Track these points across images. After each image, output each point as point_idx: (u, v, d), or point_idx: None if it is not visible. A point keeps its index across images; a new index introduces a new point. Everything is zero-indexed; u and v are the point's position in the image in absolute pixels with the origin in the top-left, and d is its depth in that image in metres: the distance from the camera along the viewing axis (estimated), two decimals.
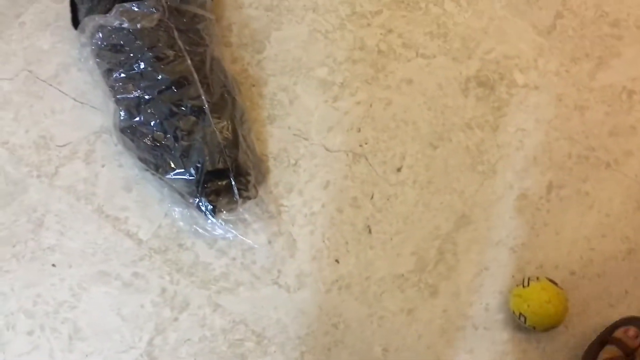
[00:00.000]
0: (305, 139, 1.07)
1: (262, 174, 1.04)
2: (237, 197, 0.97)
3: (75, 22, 1.07)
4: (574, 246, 1.02)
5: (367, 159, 1.06)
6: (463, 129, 1.07)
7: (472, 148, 1.06)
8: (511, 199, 1.04)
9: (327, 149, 1.07)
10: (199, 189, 0.95)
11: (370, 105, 1.09)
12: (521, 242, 1.02)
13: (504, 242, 1.02)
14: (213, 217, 0.97)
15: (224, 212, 0.98)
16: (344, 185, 1.05)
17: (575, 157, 1.06)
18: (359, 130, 1.07)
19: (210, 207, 0.96)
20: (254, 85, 1.09)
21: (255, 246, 1.01)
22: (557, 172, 1.05)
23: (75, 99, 1.09)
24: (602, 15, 1.12)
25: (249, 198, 0.99)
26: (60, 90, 1.09)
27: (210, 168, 0.94)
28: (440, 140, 1.07)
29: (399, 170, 1.05)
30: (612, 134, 1.07)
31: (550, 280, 0.96)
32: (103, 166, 1.06)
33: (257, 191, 1.00)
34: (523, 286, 0.96)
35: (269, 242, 1.02)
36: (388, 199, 1.04)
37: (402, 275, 1.01)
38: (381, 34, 1.13)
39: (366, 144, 1.07)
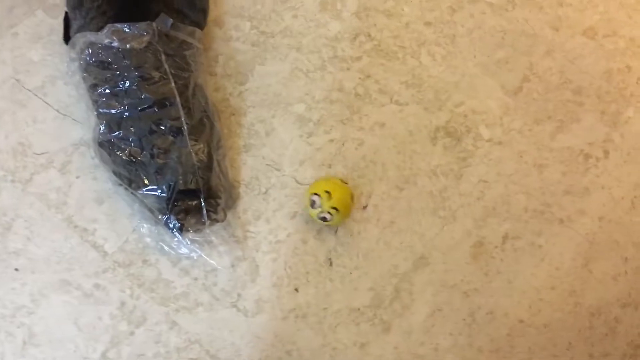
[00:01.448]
0: (277, 170, 1.11)
1: (233, 199, 1.07)
2: (205, 218, 1.00)
3: (67, 38, 1.11)
4: (524, 295, 1.06)
5: None
6: (429, 175, 1.12)
7: (435, 194, 1.11)
8: (468, 245, 1.08)
9: (297, 182, 1.11)
10: (169, 206, 0.98)
11: (343, 144, 1.14)
12: (474, 287, 1.06)
13: (459, 286, 1.06)
14: (180, 235, 1.00)
15: (191, 231, 1.01)
16: (310, 217, 1.08)
17: (531, 211, 1.11)
18: (330, 167, 1.12)
19: (178, 225, 0.98)
20: (233, 114, 1.14)
21: (218, 268, 1.03)
22: (513, 224, 1.10)
23: (58, 111, 1.12)
24: (566, 82, 1.20)
25: (216, 221, 1.02)
26: (44, 101, 1.13)
27: (182, 187, 0.97)
28: (406, 183, 1.11)
29: (364, 208, 1.09)
30: (567, 193, 1.13)
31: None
32: (77, 177, 1.08)
33: (225, 215, 1.03)
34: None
35: (232, 265, 1.04)
36: (351, 235, 1.08)
37: (358, 309, 1.04)
38: (359, 78, 1.18)
39: None
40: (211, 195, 1.01)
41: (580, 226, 1.11)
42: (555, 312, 1.06)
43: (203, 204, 0.99)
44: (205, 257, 1.03)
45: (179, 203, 0.98)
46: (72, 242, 1.04)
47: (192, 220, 1.00)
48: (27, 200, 1.06)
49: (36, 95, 1.13)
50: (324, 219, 1.01)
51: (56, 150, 1.10)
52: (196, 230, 1.01)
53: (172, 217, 0.98)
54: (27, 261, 1.03)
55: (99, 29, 1.02)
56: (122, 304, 1.01)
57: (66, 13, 1.12)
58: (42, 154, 1.09)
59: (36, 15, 1.19)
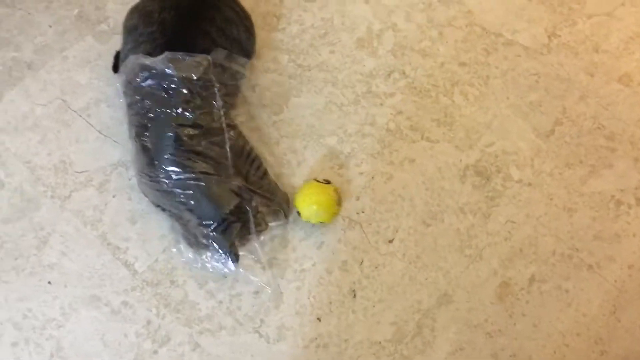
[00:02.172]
0: None
1: (284, 203, 1.11)
2: (253, 229, 1.04)
3: (116, 68, 1.16)
4: (548, 340, 1.05)
5: (361, 227, 1.11)
6: (456, 213, 1.13)
7: (462, 231, 1.12)
8: (494, 285, 1.08)
9: None
10: (219, 236, 1.01)
11: (372, 178, 1.15)
12: (498, 328, 1.05)
13: (482, 325, 1.05)
14: (235, 263, 1.03)
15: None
16: (336, 248, 1.09)
17: (559, 255, 1.10)
18: (358, 199, 1.13)
19: (235, 257, 1.03)
20: (266, 144, 1.16)
21: (244, 292, 1.05)
22: (540, 266, 1.09)
23: (100, 132, 1.17)
24: (599, 127, 1.20)
25: (261, 230, 1.06)
26: (87, 122, 1.17)
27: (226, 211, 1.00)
28: (434, 219, 1.12)
29: (390, 241, 1.10)
30: (597, 238, 1.12)
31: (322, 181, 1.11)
32: (114, 197, 1.12)
33: (285, 217, 1.10)
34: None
35: (257, 291, 1.06)
36: (376, 267, 1.08)
37: (380, 342, 1.04)
38: (392, 114, 1.21)
39: (363, 212, 1.12)
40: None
41: (609, 273, 1.10)
42: (581, 358, 1.04)
43: (250, 216, 1.02)
44: (247, 272, 1.06)
45: (227, 230, 1.01)
46: (104, 259, 1.07)
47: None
48: (64, 216, 1.10)
49: (80, 116, 1.18)
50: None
51: (95, 169, 1.14)
52: (243, 243, 1.05)
53: (227, 251, 1.01)
54: (60, 275, 1.06)
55: (147, 53, 1.07)
56: (148, 322, 1.03)
57: (116, 52, 1.17)
58: (82, 172, 1.13)
59: (86, 40, 1.25)
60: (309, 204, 1.07)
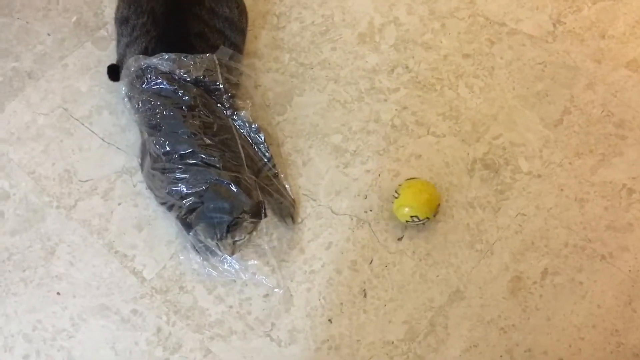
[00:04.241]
0: (314, 200, 1.12)
1: (292, 207, 1.09)
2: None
3: (112, 78, 1.15)
4: (563, 333, 1.03)
5: (370, 226, 1.10)
6: (465, 207, 1.11)
7: (472, 226, 1.10)
8: (506, 280, 1.06)
9: (333, 212, 1.11)
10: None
11: (379, 175, 1.14)
12: (512, 324, 1.04)
13: (495, 321, 1.04)
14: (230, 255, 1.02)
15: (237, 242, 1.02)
16: (345, 247, 1.08)
17: (571, 246, 1.09)
18: (366, 197, 1.12)
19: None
20: (270, 144, 1.15)
21: (260, 292, 1.04)
22: (552, 259, 1.08)
23: (103, 139, 1.16)
24: (608, 115, 1.18)
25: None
26: (90, 130, 1.17)
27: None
28: (443, 215, 1.11)
29: (399, 239, 1.09)
30: (609, 228, 1.10)
31: (410, 179, 1.10)
32: (119, 204, 1.11)
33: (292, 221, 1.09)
34: (396, 198, 1.07)
35: (267, 294, 1.05)
36: (386, 266, 1.07)
37: (392, 342, 1.03)
38: (396, 109, 1.19)
39: (371, 210, 1.11)
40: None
41: (622, 263, 1.08)
42: (597, 351, 1.03)
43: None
44: (258, 276, 1.05)
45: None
46: (112, 268, 1.07)
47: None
48: (70, 226, 1.10)
49: (83, 124, 1.17)
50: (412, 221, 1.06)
51: (100, 178, 1.13)
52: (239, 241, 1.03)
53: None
54: (69, 285, 1.06)
55: (144, 48, 1.06)
56: (159, 330, 1.03)
57: (109, 66, 1.16)
58: (87, 180, 1.13)
59: (85, 47, 1.24)
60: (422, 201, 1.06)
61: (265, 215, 1.00)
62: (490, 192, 1.12)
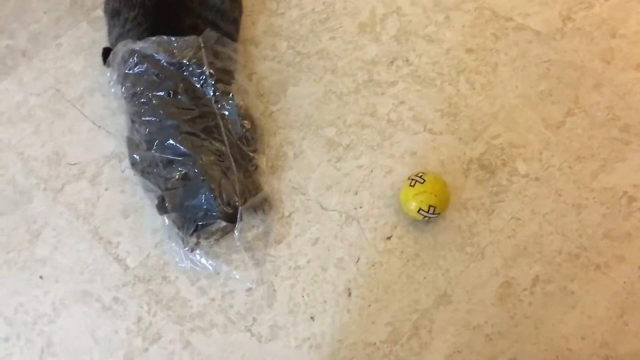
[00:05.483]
0: (303, 194, 1.10)
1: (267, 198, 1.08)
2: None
3: (105, 60, 1.13)
4: (551, 344, 1.01)
5: (359, 223, 1.08)
6: (458, 208, 1.08)
7: (464, 228, 1.07)
8: (495, 286, 1.04)
9: (322, 207, 1.09)
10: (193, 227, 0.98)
11: (371, 171, 1.11)
12: (498, 331, 1.01)
13: (482, 327, 1.02)
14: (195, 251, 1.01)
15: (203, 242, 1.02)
16: (332, 244, 1.06)
17: (565, 254, 1.05)
18: (356, 194, 1.10)
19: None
20: (262, 135, 1.13)
21: (237, 288, 1.03)
22: (545, 266, 1.05)
23: (93, 122, 1.14)
24: (613, 118, 1.14)
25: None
26: (81, 112, 1.15)
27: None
28: None
29: (388, 238, 1.07)
30: (607, 237, 1.06)
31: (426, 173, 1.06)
32: (106, 190, 1.10)
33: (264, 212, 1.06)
34: (420, 183, 1.03)
35: (250, 288, 1.03)
36: (373, 265, 1.05)
37: (374, 344, 1.01)
38: (393, 104, 1.16)
39: (361, 207, 1.09)
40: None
41: (618, 274, 1.04)
42: None
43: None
44: (234, 271, 1.03)
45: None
46: (96, 254, 1.06)
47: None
48: (57, 209, 1.09)
49: (74, 106, 1.16)
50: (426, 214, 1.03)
51: (88, 161, 1.12)
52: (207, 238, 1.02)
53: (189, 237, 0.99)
54: (52, 269, 1.05)
55: (137, 39, 1.04)
56: (139, 319, 1.02)
57: (104, 49, 1.14)
58: (75, 164, 1.12)
59: (80, 27, 1.22)
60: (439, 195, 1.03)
61: (241, 219, 0.98)
62: (485, 194, 1.09)
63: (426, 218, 1.04)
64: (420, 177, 1.04)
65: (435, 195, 1.02)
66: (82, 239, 1.07)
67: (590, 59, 1.18)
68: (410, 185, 1.03)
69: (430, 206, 1.02)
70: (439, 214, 1.03)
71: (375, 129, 1.14)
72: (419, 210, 1.02)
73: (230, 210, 0.98)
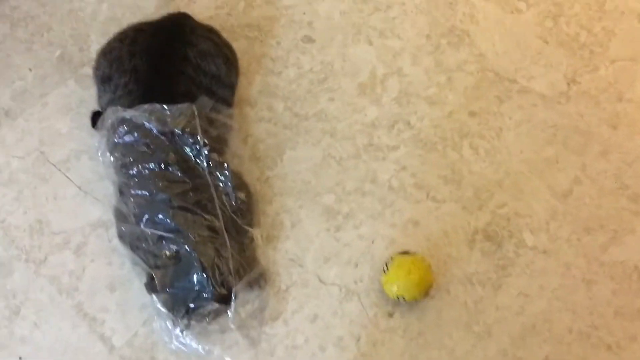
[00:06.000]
0: (300, 266, 1.04)
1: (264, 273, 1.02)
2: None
3: (95, 124, 1.08)
4: None
5: (359, 298, 1.02)
6: (463, 283, 1.03)
7: (470, 305, 1.02)
8: None
9: (320, 280, 1.03)
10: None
11: (372, 242, 1.06)
12: None
13: None
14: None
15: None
16: (331, 322, 1.01)
17: (576, 332, 1.00)
18: (357, 266, 1.04)
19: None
20: (257, 202, 1.07)
21: None
22: (555, 346, 1.00)
23: (79, 187, 1.09)
24: (621, 187, 1.10)
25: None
26: (66, 176, 1.10)
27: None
28: (438, 290, 1.03)
29: (390, 315, 1.01)
30: (618, 315, 1.01)
31: (403, 253, 1.01)
32: (92, 261, 1.04)
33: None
34: (385, 272, 0.99)
35: None
36: (374, 345, 0.99)
37: None
38: (395, 169, 1.11)
39: (361, 281, 1.03)
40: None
41: (630, 354, 0.99)
42: None
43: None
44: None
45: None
46: (80, 332, 0.99)
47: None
48: (38, 282, 1.02)
49: (59, 170, 1.10)
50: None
51: (74, 230, 1.06)
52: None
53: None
54: (32, 349, 0.98)
55: (127, 107, 0.99)
56: None
57: (93, 112, 1.09)
58: (59, 233, 1.06)
59: (67, 85, 1.17)
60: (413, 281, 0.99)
61: (236, 298, 0.93)
62: (491, 268, 1.04)
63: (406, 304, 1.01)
64: (386, 265, 1.00)
65: (399, 286, 0.98)
66: (65, 315, 1.00)
67: (597, 124, 1.15)
68: (383, 271, 1.00)
69: (397, 297, 0.99)
70: (414, 299, 1.00)
71: (376, 196, 1.09)
72: (395, 299, 1.00)
73: (224, 292, 0.92)
